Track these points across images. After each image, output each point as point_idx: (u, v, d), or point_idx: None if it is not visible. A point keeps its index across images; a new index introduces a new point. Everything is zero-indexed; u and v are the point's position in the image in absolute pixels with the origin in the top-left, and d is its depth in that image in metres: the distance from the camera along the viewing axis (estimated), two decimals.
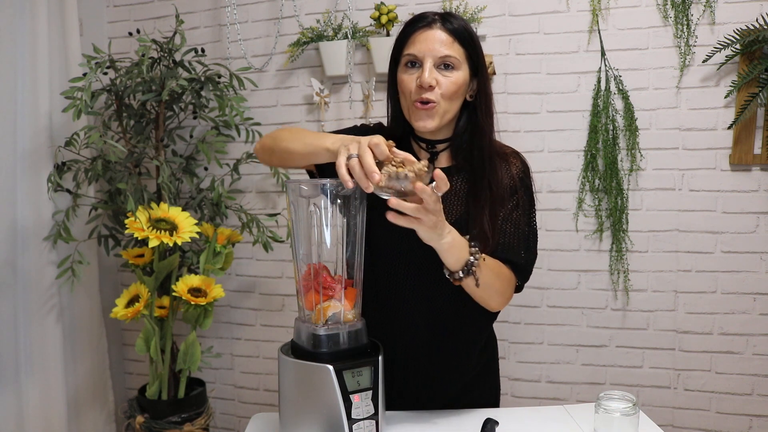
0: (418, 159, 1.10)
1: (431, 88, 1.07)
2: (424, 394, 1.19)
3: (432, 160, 1.17)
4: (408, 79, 1.10)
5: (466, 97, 1.14)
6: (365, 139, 0.91)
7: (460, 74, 1.09)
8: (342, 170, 0.90)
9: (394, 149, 0.91)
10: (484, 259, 1.02)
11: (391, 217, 0.88)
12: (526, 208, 1.15)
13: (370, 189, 0.87)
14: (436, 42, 1.08)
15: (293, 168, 1.13)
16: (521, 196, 1.15)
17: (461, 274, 1.00)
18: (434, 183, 0.87)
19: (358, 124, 1.31)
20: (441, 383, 1.19)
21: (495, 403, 1.30)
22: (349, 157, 0.90)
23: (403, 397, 1.18)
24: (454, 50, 1.08)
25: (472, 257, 1.00)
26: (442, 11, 1.14)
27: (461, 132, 1.15)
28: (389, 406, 1.13)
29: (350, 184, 0.89)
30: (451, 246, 0.97)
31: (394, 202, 0.85)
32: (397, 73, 1.13)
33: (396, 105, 1.17)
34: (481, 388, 1.25)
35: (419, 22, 1.11)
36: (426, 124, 1.09)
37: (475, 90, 1.14)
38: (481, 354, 1.24)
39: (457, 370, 1.20)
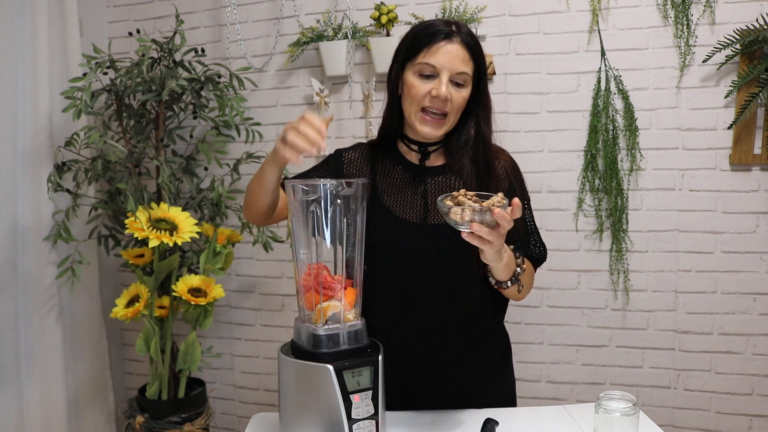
0: (407, 162, 1.22)
1: (446, 101, 1.11)
2: (439, 395, 1.18)
3: (424, 160, 1.21)
4: (420, 86, 1.12)
5: None
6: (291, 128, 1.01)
7: (467, 91, 1.15)
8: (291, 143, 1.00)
9: (463, 190, 0.96)
10: (525, 269, 1.12)
11: (466, 235, 0.93)
12: (525, 201, 1.21)
13: (323, 145, 0.99)
14: (456, 58, 1.11)
15: (266, 207, 1.20)
16: (518, 191, 1.19)
17: (509, 284, 1.10)
18: (509, 209, 0.91)
19: (333, 152, 1.31)
20: (455, 382, 1.18)
21: (512, 402, 1.30)
22: (284, 139, 1.00)
23: (416, 398, 1.17)
24: (468, 68, 1.13)
25: (518, 268, 1.10)
26: (452, 21, 1.16)
27: (462, 138, 1.18)
28: (401, 409, 1.14)
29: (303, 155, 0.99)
30: (507, 264, 1.06)
31: (476, 227, 0.90)
32: (406, 75, 1.15)
33: (395, 102, 1.19)
34: (495, 387, 1.25)
35: (440, 34, 1.11)
36: (435, 132, 1.14)
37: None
38: (494, 351, 1.25)
39: (471, 367, 1.20)
